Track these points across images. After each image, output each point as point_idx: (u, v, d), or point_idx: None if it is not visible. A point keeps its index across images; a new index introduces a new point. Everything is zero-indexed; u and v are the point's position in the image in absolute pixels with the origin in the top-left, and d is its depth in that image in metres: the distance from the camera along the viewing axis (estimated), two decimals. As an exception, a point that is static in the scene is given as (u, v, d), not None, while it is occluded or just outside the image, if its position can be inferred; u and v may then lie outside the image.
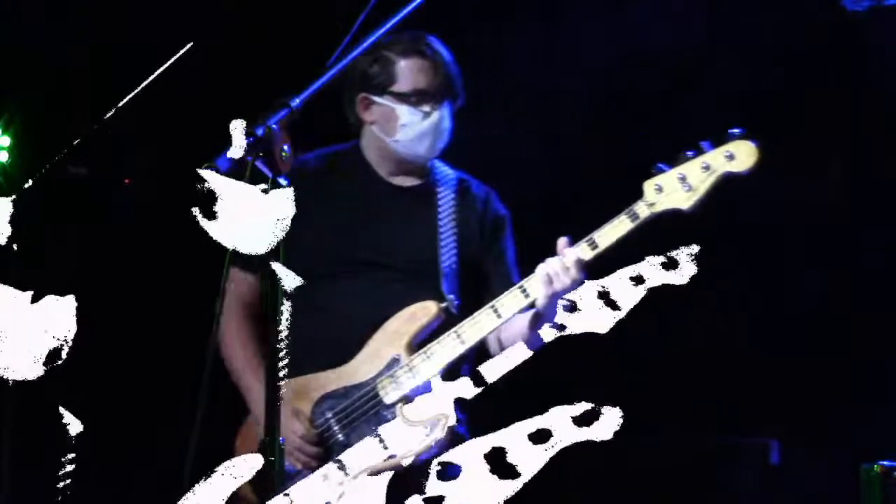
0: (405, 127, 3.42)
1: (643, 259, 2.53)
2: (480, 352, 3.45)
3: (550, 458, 5.65)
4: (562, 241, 3.23)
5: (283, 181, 2.47)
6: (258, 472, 2.55)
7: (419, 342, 3.37)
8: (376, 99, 3.46)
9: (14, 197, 5.01)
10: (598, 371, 5.46)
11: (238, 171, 2.46)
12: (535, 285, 3.24)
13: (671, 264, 2.51)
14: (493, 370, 2.72)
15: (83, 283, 5.59)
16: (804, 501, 4.96)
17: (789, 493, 4.95)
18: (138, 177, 5.51)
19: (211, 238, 3.60)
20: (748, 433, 5.16)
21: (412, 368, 3.31)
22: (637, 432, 5.38)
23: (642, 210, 3.21)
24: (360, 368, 3.35)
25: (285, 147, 2.49)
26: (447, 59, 3.50)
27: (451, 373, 3.36)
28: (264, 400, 3.30)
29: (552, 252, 3.29)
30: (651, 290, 5.43)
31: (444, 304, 3.40)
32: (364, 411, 3.32)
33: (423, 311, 3.38)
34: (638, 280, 2.56)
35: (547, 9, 5.63)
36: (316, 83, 2.63)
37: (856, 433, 4.96)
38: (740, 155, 3.19)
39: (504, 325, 3.33)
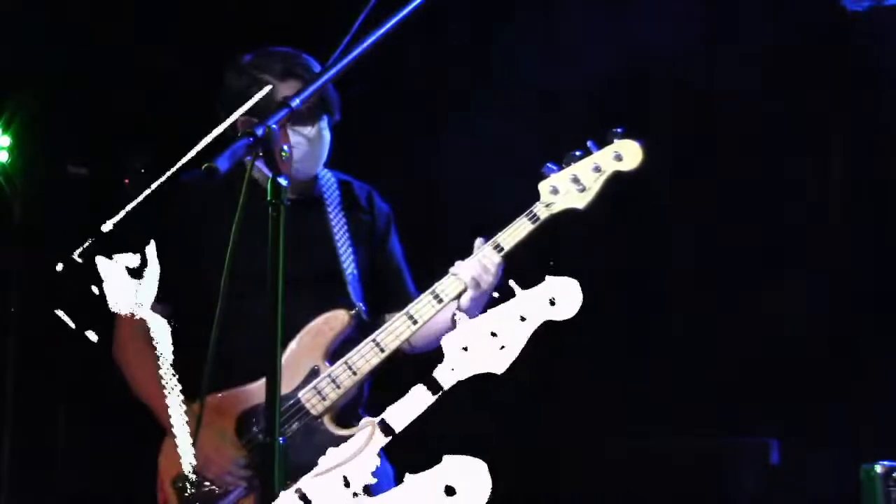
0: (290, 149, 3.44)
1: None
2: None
3: (549, 458, 5.66)
4: (478, 242, 3.35)
5: (282, 181, 2.47)
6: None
7: (334, 351, 3.41)
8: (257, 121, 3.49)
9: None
10: (599, 372, 5.47)
11: (238, 170, 2.46)
12: (448, 289, 3.33)
13: (553, 301, 2.58)
14: (400, 418, 2.70)
15: (83, 283, 5.60)
16: (804, 501, 4.96)
17: (789, 493, 4.95)
18: (138, 177, 5.51)
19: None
20: (748, 433, 5.16)
21: (335, 380, 3.34)
22: (637, 433, 5.42)
23: (541, 211, 3.32)
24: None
25: (285, 147, 2.49)
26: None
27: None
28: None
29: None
30: (650, 291, 5.46)
31: (353, 312, 3.43)
32: (291, 424, 3.33)
33: (336, 320, 3.41)
34: (522, 318, 2.62)
35: (546, 10, 5.64)
36: (315, 83, 2.63)
37: (856, 433, 4.95)
38: (627, 154, 3.30)
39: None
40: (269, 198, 2.48)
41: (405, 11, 2.65)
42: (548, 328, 5.73)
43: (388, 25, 2.63)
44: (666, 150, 5.41)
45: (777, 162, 5.32)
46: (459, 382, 4.40)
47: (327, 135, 3.52)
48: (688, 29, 5.40)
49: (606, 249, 5.46)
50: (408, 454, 3.57)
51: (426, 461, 3.58)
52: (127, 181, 5.52)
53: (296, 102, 2.54)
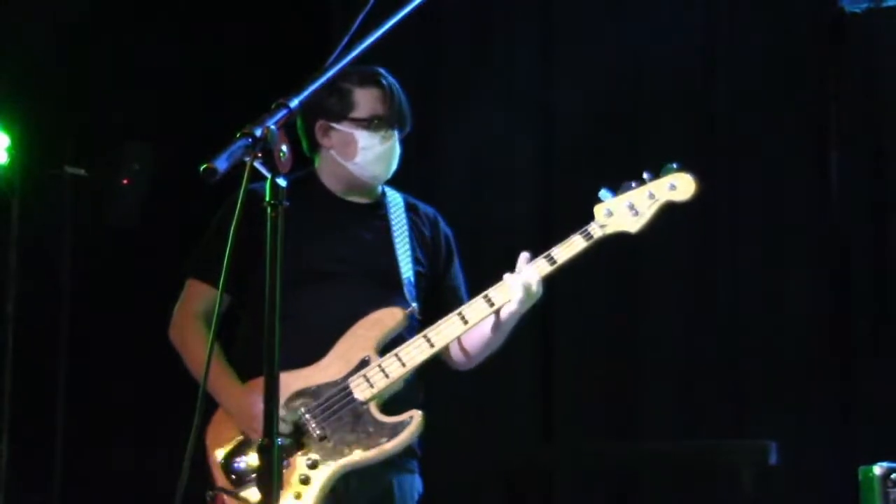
0: (364, 150, 3.61)
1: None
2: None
3: (549, 459, 5.65)
4: (524, 256, 3.49)
5: (281, 181, 2.46)
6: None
7: (384, 346, 3.53)
8: (335, 125, 3.63)
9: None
10: (598, 372, 5.47)
11: (237, 171, 2.45)
12: (500, 295, 3.47)
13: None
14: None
15: (81, 284, 5.60)
16: (803, 502, 4.96)
17: (788, 494, 4.95)
18: (136, 177, 5.51)
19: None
20: (747, 433, 5.16)
21: (384, 369, 3.48)
22: (637, 433, 5.42)
23: (595, 231, 3.48)
24: (330, 368, 3.50)
25: (284, 148, 2.48)
26: (399, 90, 3.68)
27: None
28: (238, 396, 3.45)
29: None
30: (650, 290, 5.46)
31: (409, 310, 3.57)
32: (339, 407, 3.47)
33: (391, 317, 3.55)
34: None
35: (544, 23, 5.64)
36: (314, 84, 2.63)
37: (855, 434, 4.96)
38: (681, 186, 3.49)
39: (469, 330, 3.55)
40: (267, 199, 2.46)
41: (404, 12, 2.65)
42: (547, 328, 5.73)
43: (388, 25, 2.63)
44: (665, 149, 5.41)
45: (777, 162, 5.32)
46: (459, 388, 4.37)
47: (398, 147, 3.67)
48: (687, 29, 5.41)
49: (606, 249, 5.45)
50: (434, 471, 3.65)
51: (430, 466, 3.61)
52: (126, 181, 5.52)
53: (294, 103, 2.54)
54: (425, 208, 3.84)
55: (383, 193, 3.76)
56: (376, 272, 3.62)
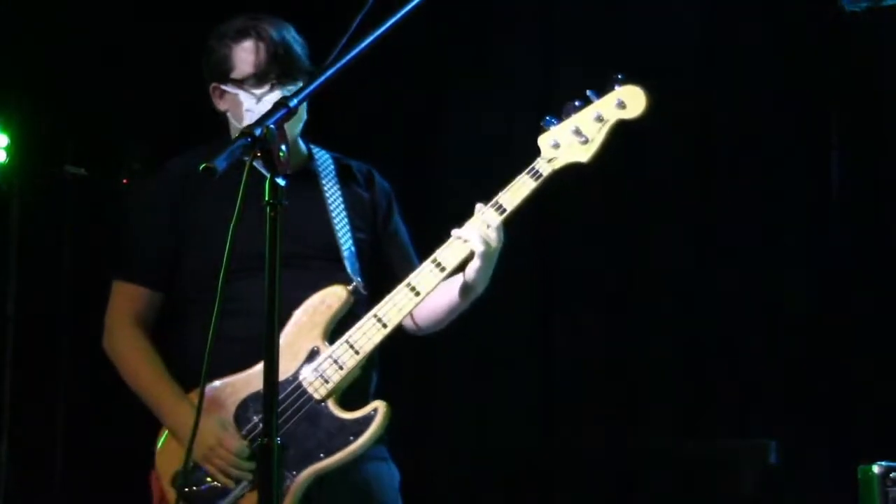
0: (249, 112, 3.26)
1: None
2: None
3: (549, 459, 5.65)
4: (479, 207, 3.20)
5: (280, 181, 2.46)
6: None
7: (333, 329, 3.22)
8: (224, 87, 3.35)
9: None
10: (598, 372, 5.47)
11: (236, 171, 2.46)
12: (451, 256, 3.16)
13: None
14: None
15: (81, 284, 5.60)
16: (802, 502, 4.96)
17: (788, 494, 4.95)
18: (136, 177, 5.51)
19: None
20: (748, 433, 5.17)
21: (337, 360, 3.17)
22: (637, 433, 5.42)
23: (543, 167, 3.16)
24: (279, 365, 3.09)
25: (283, 147, 2.49)
26: (277, 39, 3.31)
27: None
28: (172, 409, 3.15)
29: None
30: (650, 291, 5.46)
31: (351, 287, 3.25)
32: (294, 410, 3.17)
33: (334, 297, 3.23)
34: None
35: (544, 20, 5.64)
36: (313, 83, 2.63)
37: (854, 433, 4.96)
38: (630, 101, 3.15)
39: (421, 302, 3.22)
40: (266, 198, 2.45)
41: (403, 11, 2.65)
42: (547, 328, 5.72)
43: (387, 25, 2.63)
44: (665, 149, 5.41)
45: (777, 162, 5.32)
46: (459, 387, 4.38)
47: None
48: (686, 28, 5.40)
49: (607, 249, 5.46)
50: (410, 459, 3.60)
51: (430, 466, 3.60)
52: (126, 181, 5.52)
53: (293, 102, 2.54)
54: (358, 166, 3.50)
55: (310, 157, 3.43)
56: (313, 249, 3.29)
